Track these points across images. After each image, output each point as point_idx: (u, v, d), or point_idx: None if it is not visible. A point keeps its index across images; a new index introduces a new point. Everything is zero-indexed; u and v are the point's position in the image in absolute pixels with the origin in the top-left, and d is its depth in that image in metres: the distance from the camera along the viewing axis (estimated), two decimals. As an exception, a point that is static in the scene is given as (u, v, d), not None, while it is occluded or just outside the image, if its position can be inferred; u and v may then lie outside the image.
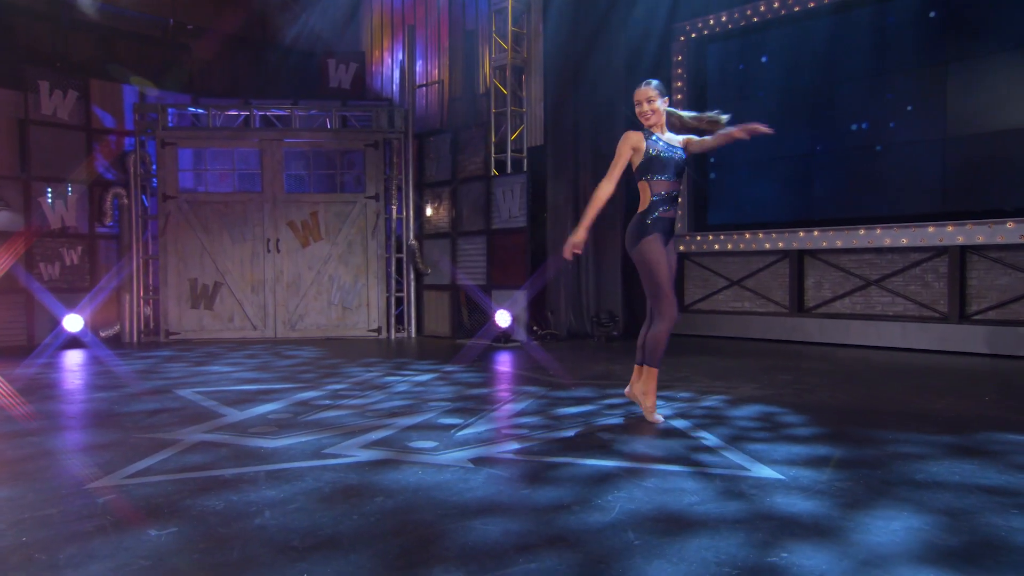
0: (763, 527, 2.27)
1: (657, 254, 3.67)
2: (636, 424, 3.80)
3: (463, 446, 3.34)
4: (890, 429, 3.61)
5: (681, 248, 8.94)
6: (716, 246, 8.73)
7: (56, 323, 8.31)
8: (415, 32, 9.68)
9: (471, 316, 8.74)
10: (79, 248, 8.95)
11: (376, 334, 9.14)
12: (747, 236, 8.48)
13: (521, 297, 8.17)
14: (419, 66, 9.88)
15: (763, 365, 6.15)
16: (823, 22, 7.97)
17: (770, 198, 8.49)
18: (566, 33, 8.26)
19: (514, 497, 2.61)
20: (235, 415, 4.17)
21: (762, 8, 8.25)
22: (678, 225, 8.90)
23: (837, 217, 7.99)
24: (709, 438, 3.47)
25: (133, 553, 2.13)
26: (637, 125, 3.82)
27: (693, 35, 8.81)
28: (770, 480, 2.78)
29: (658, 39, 8.56)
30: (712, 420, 3.90)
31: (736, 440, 3.43)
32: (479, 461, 3.08)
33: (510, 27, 8.43)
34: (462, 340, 8.51)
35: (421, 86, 9.84)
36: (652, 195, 3.73)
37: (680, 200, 3.90)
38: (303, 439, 3.54)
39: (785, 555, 2.05)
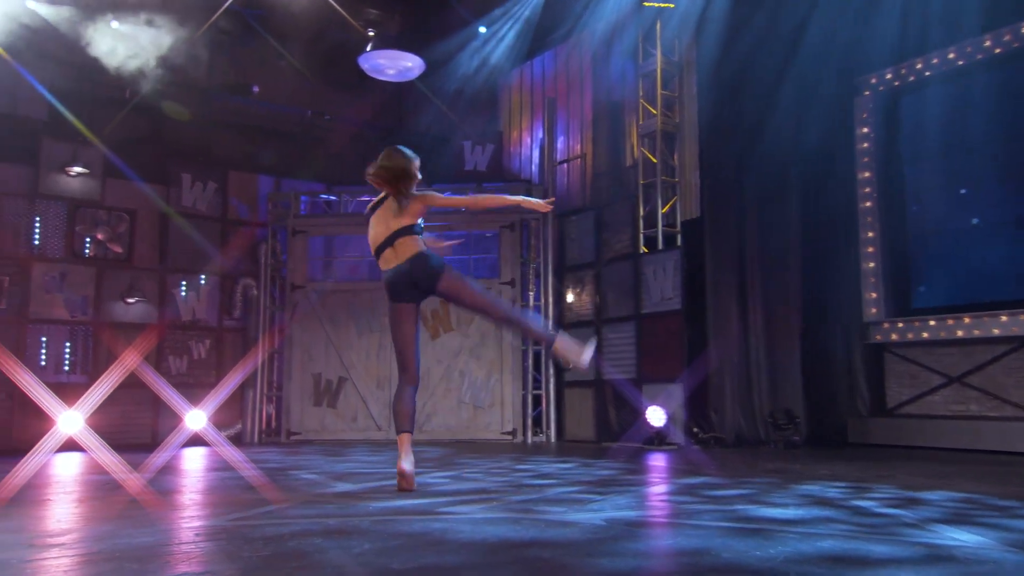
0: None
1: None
2: (812, 502, 3.54)
3: (596, 512, 3.27)
4: None
5: (878, 338, 8.42)
6: (925, 334, 8.13)
7: (179, 420, 9.13)
8: (555, 106, 10.31)
9: (619, 415, 8.62)
10: (207, 341, 9.93)
11: (510, 437, 9.20)
12: (967, 320, 7.84)
13: (677, 392, 7.97)
14: (560, 142, 10.43)
15: (995, 471, 5.52)
16: (1045, 59, 7.61)
17: (995, 272, 7.86)
18: (723, 93, 8.44)
19: (653, 546, 2.51)
20: (348, 487, 4.35)
21: (969, 49, 8.00)
22: (872, 311, 8.45)
23: (1089, 291, 7.23)
24: (907, 515, 3.16)
25: (224, 566, 2.27)
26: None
27: (881, 88, 8.68)
28: (989, 544, 2.48)
29: (835, 94, 8.52)
30: (913, 503, 3.56)
31: (948, 518, 3.09)
32: (613, 521, 3.00)
33: (659, 91, 8.77)
34: (608, 443, 8.37)
35: (562, 162, 10.34)
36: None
37: None
38: (417, 501, 3.63)
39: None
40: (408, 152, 4.41)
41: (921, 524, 2.96)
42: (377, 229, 4.39)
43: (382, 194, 4.44)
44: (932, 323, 8.09)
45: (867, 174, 8.65)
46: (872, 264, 8.52)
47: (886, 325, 8.43)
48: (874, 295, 8.48)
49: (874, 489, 4.08)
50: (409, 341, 4.29)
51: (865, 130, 8.76)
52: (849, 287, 8.59)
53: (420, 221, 4.39)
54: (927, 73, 8.34)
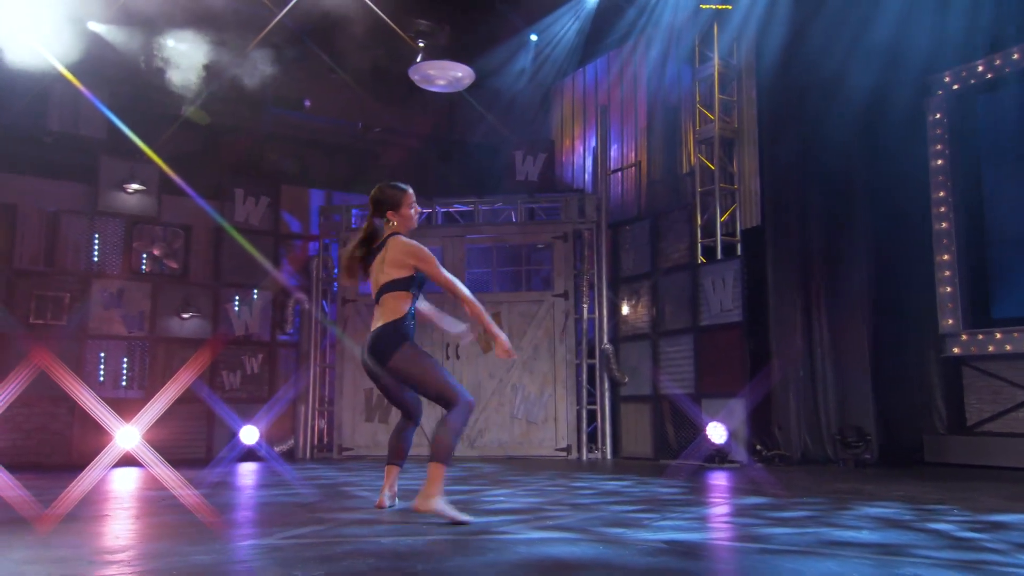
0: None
1: (424, 353, 3.94)
2: (883, 525, 3.43)
3: (656, 531, 3.22)
4: None
5: (956, 351, 8.13)
6: (1008, 346, 7.82)
7: (233, 435, 9.31)
8: (608, 113, 10.27)
9: (677, 431, 8.50)
10: (260, 356, 10.12)
11: (565, 454, 9.15)
12: (1052, 331, 7.54)
13: (738, 407, 7.82)
14: (613, 150, 10.39)
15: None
16: None
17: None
18: (784, 96, 8.31)
19: (714, 569, 2.46)
20: (400, 505, 4.38)
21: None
22: (948, 322, 8.17)
23: None
24: (992, 541, 3.03)
25: (279, 585, 2.31)
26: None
27: (955, 86, 8.42)
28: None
29: (904, 94, 8.29)
30: (996, 527, 3.42)
31: (1034, 545, 2.97)
32: (673, 543, 2.95)
33: (717, 95, 8.67)
34: (667, 460, 8.25)
35: (616, 171, 10.29)
36: (409, 307, 3.95)
37: None
38: (472, 520, 3.62)
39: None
40: (400, 185, 4.02)
41: (1008, 551, 2.84)
42: (373, 277, 3.97)
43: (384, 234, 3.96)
44: (1016, 335, 7.79)
45: (941, 178, 8.39)
46: (948, 273, 8.24)
47: (964, 337, 8.14)
48: (950, 305, 8.21)
49: (953, 512, 3.93)
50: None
51: (938, 131, 8.50)
52: (923, 297, 8.32)
53: (417, 275, 3.90)
54: (1007, 70, 8.06)
